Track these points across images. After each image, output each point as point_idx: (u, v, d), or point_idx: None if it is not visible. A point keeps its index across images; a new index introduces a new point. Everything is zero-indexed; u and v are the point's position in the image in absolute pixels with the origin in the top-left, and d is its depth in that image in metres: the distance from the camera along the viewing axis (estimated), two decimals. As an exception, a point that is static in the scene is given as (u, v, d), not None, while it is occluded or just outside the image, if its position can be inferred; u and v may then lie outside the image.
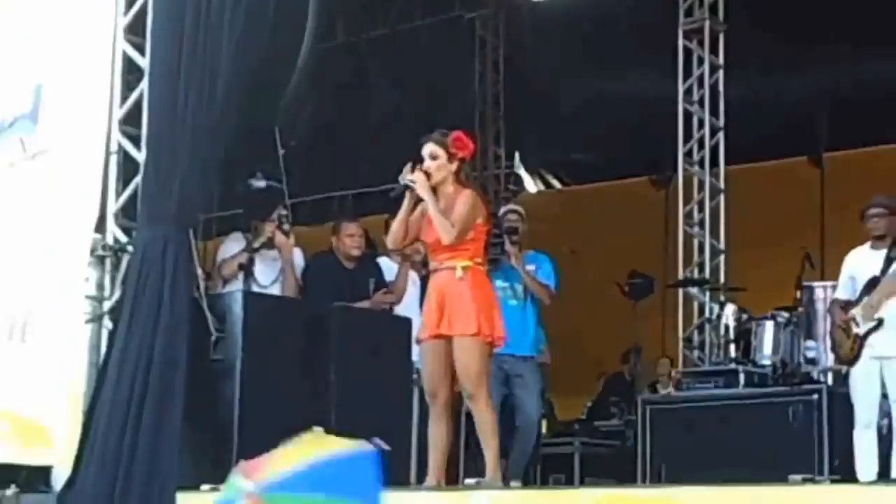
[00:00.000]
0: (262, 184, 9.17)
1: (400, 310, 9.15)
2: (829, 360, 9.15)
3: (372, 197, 14.13)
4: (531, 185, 15.79)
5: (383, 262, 9.53)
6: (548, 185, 15.84)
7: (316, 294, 8.77)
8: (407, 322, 8.53)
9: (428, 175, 7.03)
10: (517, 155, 13.47)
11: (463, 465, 8.65)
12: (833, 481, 6.93)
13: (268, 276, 8.64)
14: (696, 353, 11.36)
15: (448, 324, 6.93)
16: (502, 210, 9.95)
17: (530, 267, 9.53)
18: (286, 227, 8.78)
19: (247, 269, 8.49)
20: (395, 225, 7.17)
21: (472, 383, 6.88)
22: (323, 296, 8.65)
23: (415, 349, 7.92)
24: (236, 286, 8.41)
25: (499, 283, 9.29)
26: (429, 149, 7.13)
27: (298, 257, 9.01)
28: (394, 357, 8.28)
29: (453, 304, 6.93)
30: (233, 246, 8.71)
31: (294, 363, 7.82)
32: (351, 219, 9.85)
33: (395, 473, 7.85)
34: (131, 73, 8.09)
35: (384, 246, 9.39)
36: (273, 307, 8.18)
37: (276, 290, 8.66)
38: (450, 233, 6.91)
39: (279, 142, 9.71)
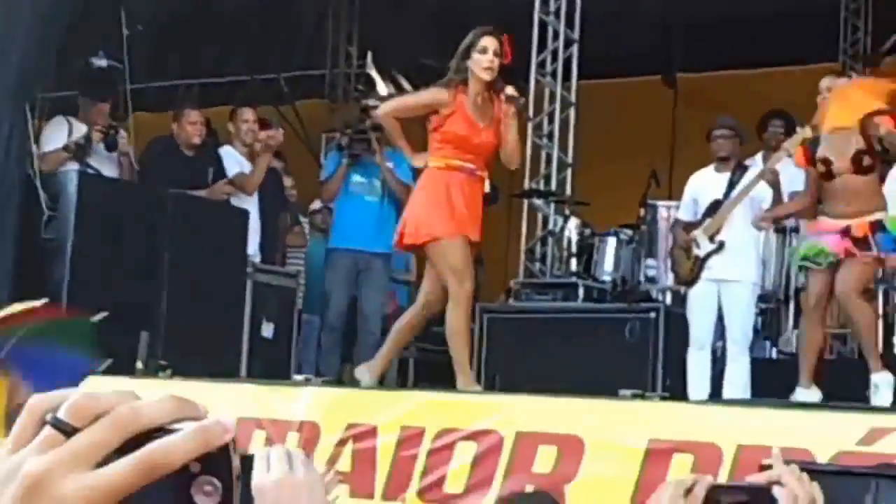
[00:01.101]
0: (103, 63, 8.86)
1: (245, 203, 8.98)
2: (668, 279, 9.18)
3: (217, 88, 13.81)
4: (382, 87, 15.54)
5: (225, 151, 9.31)
6: (399, 87, 15.61)
7: (153, 178, 8.54)
8: (244, 214, 8.34)
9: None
10: (369, 55, 13.19)
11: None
12: (663, 398, 6.94)
13: (103, 163, 8.38)
14: (537, 265, 11.33)
15: (475, 230, 7.20)
16: (366, 103, 9.79)
17: (389, 164, 9.41)
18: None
19: (78, 152, 8.21)
20: (411, 101, 7.45)
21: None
22: (160, 180, 8.42)
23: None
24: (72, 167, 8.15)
25: (357, 178, 9.18)
26: (494, 45, 7.34)
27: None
28: (229, 247, 8.14)
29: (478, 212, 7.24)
30: (54, 130, 8.41)
31: (127, 246, 7.64)
32: (194, 107, 9.61)
33: (226, 364, 7.71)
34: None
35: (227, 136, 9.14)
36: (108, 188, 7.98)
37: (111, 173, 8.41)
38: (516, 162, 7.49)
39: (124, 23, 9.37)
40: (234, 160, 9.24)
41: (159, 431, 0.93)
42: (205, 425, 0.93)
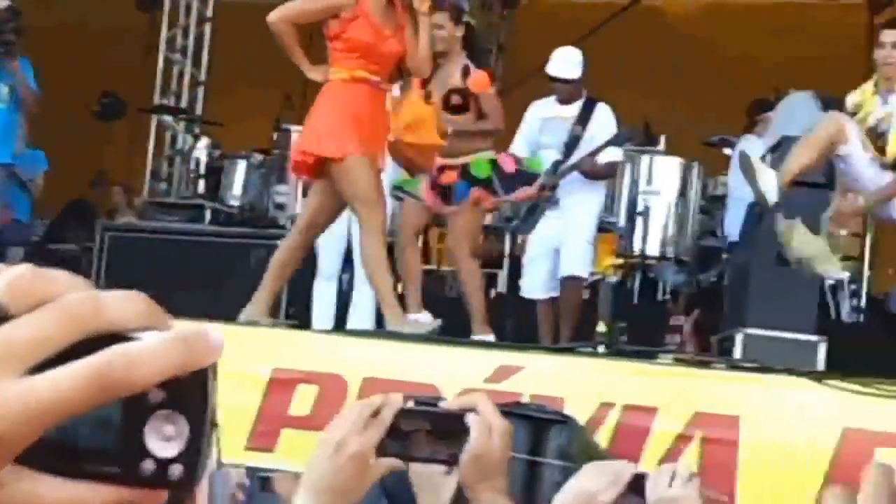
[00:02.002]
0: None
1: None
2: (298, 206, 8.99)
3: None
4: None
5: None
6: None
7: None
8: None
9: None
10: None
11: None
12: (290, 327, 6.79)
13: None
14: (163, 184, 10.96)
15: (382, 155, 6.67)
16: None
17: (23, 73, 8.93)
18: None
19: None
20: (309, 5, 6.56)
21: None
22: None
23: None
24: None
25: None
26: None
27: None
28: None
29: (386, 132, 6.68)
30: None
31: None
32: None
33: None
34: None
35: None
36: None
37: None
38: (426, 71, 6.72)
39: None
40: None
41: (119, 339, 0.64)
42: (186, 336, 0.65)
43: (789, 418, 4.95)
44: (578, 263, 8.07)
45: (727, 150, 9.73)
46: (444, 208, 7.20)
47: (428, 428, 2.01)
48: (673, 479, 2.57)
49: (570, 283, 8.03)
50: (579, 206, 8.08)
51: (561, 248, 8.07)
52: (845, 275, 8.54)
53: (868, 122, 6.59)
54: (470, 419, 2.04)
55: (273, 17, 6.53)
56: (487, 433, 2.04)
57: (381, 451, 2.00)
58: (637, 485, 2.54)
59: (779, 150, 8.09)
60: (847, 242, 8.59)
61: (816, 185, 7.60)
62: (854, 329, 8.84)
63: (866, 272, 9.31)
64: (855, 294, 9.09)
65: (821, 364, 6.84)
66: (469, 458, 2.03)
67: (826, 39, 12.41)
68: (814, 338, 6.84)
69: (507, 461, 2.08)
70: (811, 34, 12.83)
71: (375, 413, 2.00)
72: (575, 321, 7.91)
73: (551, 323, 8.02)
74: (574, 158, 8.03)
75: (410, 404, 2.05)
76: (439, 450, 2.02)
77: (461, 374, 5.17)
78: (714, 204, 9.77)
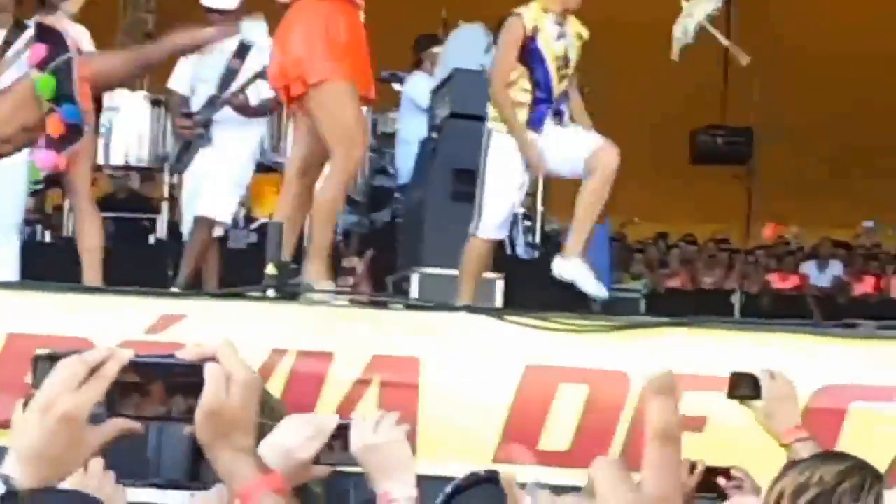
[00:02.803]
0: None
1: None
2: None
3: None
4: None
5: None
6: None
7: None
8: None
9: None
10: None
11: None
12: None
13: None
14: None
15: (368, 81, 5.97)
16: None
17: None
18: None
19: None
20: None
21: None
22: None
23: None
24: None
25: None
26: None
27: None
28: None
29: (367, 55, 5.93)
30: None
31: None
32: None
33: None
34: None
35: None
36: None
37: None
38: None
39: None
40: None
41: None
42: None
43: (470, 358, 4.74)
44: (212, 204, 7.53)
45: (396, 86, 9.50)
46: None
47: (163, 382, 1.78)
48: (378, 424, 2.62)
49: (200, 223, 7.53)
50: (230, 143, 7.63)
51: (201, 187, 7.66)
52: (520, 210, 8.46)
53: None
54: (206, 369, 1.81)
55: None
56: (224, 385, 1.82)
57: (111, 410, 1.77)
58: (340, 434, 2.57)
59: (449, 83, 7.92)
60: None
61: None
62: (530, 265, 8.78)
63: (539, 208, 9.27)
64: (529, 230, 9.05)
65: (499, 301, 6.73)
66: (202, 413, 1.81)
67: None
68: (491, 275, 6.74)
69: (252, 416, 1.86)
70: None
71: (95, 369, 1.75)
72: (217, 267, 7.53)
73: (215, 266, 7.61)
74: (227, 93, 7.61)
75: (147, 359, 1.79)
76: (177, 406, 1.81)
77: (119, 324, 4.73)
78: (384, 142, 9.53)
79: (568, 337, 4.78)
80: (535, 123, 6.26)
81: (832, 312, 8.91)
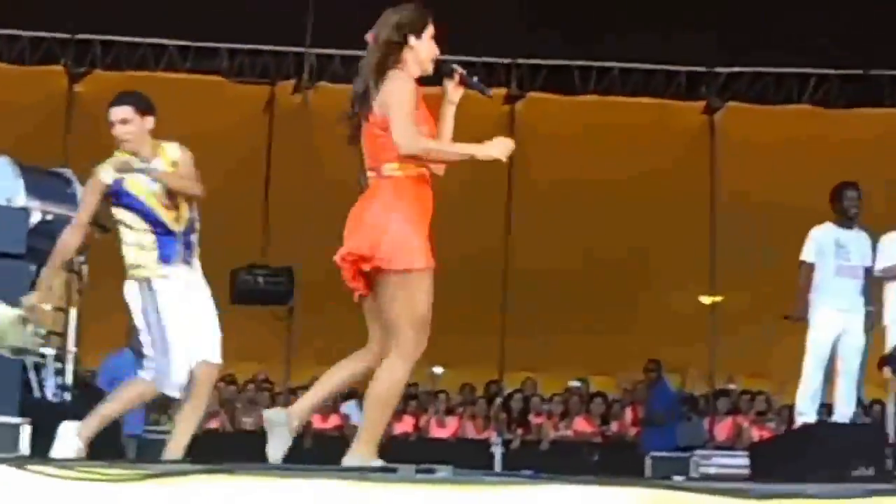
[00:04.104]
0: None
1: None
2: None
3: None
4: None
5: None
6: None
7: None
8: None
9: None
10: None
11: None
12: None
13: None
14: None
15: None
16: None
17: None
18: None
19: None
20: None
21: None
22: None
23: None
24: None
25: None
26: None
27: None
28: None
29: None
30: None
31: None
32: None
33: None
34: None
35: None
36: None
37: None
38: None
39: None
40: None
41: None
42: None
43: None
44: None
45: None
46: None
47: None
48: None
49: None
50: None
51: None
52: (50, 351, 8.14)
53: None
54: None
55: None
56: None
57: None
58: None
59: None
60: (53, 317, 8.15)
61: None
62: (60, 407, 8.38)
63: (72, 349, 8.92)
64: (60, 372, 8.66)
65: (25, 447, 6.49)
66: None
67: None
68: (16, 419, 6.53)
69: None
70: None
71: None
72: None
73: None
74: None
75: None
76: None
77: None
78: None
79: (97, 487, 4.48)
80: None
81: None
